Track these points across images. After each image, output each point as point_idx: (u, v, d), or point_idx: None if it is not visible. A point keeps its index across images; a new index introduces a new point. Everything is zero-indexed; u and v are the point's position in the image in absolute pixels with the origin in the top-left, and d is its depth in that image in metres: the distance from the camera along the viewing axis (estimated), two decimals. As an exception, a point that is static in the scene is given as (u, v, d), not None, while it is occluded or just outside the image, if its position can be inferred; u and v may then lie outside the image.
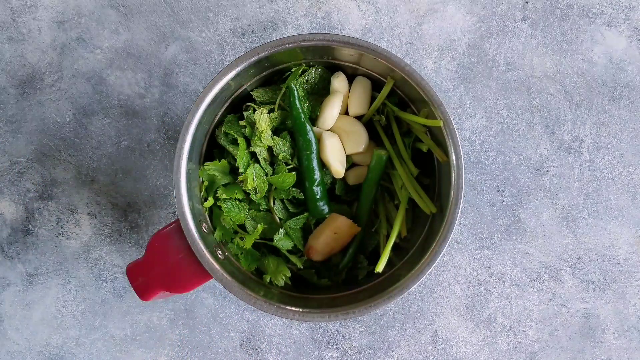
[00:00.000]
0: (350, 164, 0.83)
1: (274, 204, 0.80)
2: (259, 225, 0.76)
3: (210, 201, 0.77)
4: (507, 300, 0.94)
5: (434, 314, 0.94)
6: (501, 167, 0.94)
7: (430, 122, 0.72)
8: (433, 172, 0.79)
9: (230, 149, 0.79)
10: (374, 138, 0.82)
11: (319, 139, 0.79)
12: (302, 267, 0.80)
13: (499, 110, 0.94)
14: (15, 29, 0.93)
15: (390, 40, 0.95)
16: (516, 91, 0.94)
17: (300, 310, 0.71)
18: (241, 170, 0.77)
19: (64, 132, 0.93)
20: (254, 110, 0.79)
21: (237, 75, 0.73)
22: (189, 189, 0.72)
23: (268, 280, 0.78)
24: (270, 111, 0.79)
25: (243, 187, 0.77)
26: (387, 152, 0.79)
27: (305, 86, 0.80)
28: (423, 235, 0.77)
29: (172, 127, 0.94)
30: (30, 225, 0.93)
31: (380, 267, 0.76)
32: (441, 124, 0.70)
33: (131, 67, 0.94)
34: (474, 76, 0.95)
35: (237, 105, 0.81)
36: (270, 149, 0.79)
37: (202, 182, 0.78)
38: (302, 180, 0.79)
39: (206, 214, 0.78)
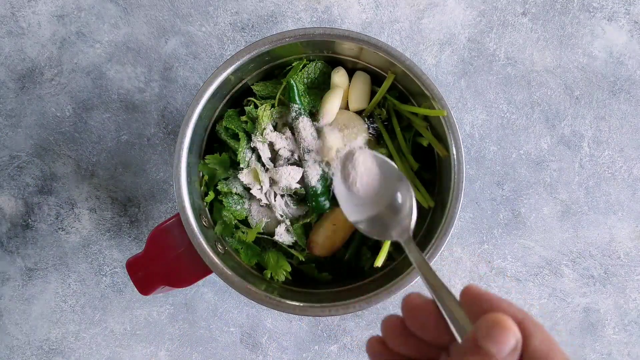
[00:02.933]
0: (351, 158, 0.83)
1: (274, 199, 0.80)
2: (262, 219, 0.76)
3: (211, 195, 0.77)
4: (508, 294, 0.94)
5: (434, 308, 0.94)
6: (501, 161, 0.94)
7: (434, 112, 0.72)
8: (434, 166, 0.79)
9: (231, 143, 0.79)
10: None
11: (319, 134, 0.79)
12: (303, 260, 0.80)
13: (499, 105, 0.94)
14: (15, 23, 0.93)
15: (391, 34, 0.94)
16: (516, 85, 0.94)
17: (301, 304, 0.71)
18: (242, 165, 0.76)
19: (63, 127, 0.93)
20: (255, 105, 0.79)
21: (237, 69, 0.73)
22: (189, 183, 0.72)
23: (269, 275, 0.78)
24: (272, 106, 0.79)
25: (244, 182, 0.77)
26: (388, 151, 0.79)
27: (306, 80, 0.80)
28: (424, 229, 0.77)
29: (172, 121, 0.93)
30: (29, 220, 0.93)
31: (379, 262, 0.76)
32: (445, 113, 0.70)
33: (131, 62, 0.93)
34: (474, 70, 0.94)
35: (237, 99, 0.81)
36: (271, 144, 0.79)
37: (203, 176, 0.78)
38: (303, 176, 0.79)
39: (206, 208, 0.78)
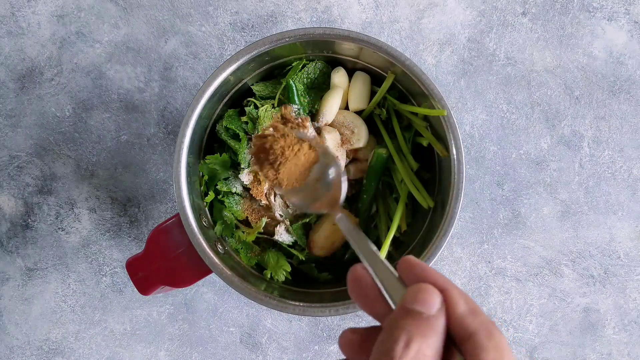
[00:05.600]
0: (350, 158, 0.83)
1: (274, 199, 0.80)
2: (262, 219, 0.76)
3: (211, 195, 0.77)
4: (507, 294, 0.94)
5: (434, 308, 0.93)
6: (501, 161, 0.94)
7: (434, 112, 0.72)
8: (433, 166, 0.79)
9: (231, 143, 0.79)
10: (373, 133, 0.82)
11: (318, 134, 0.79)
12: (304, 259, 0.80)
13: (499, 105, 0.94)
14: (15, 23, 0.93)
15: (390, 34, 0.94)
16: (516, 85, 0.94)
17: (301, 304, 0.71)
18: (243, 165, 0.76)
19: (63, 127, 0.93)
20: (255, 105, 0.79)
21: (237, 69, 0.73)
22: (189, 183, 0.72)
23: (269, 276, 0.78)
24: (272, 106, 0.79)
25: (245, 182, 0.77)
26: (388, 151, 0.79)
27: (305, 80, 0.80)
28: (423, 229, 0.77)
29: (171, 121, 0.93)
30: (29, 220, 0.93)
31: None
32: (445, 113, 0.70)
33: (131, 62, 0.93)
34: (474, 70, 0.94)
35: (237, 99, 0.81)
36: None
37: (203, 176, 0.78)
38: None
39: (206, 208, 0.78)
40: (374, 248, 0.48)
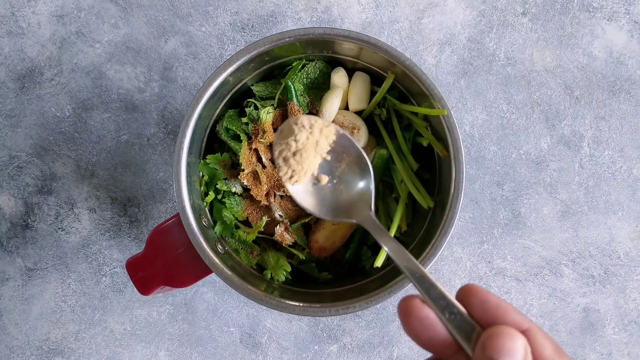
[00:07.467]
0: (350, 158, 0.82)
1: (274, 199, 0.80)
2: (262, 219, 0.76)
3: (211, 195, 0.77)
4: (507, 294, 0.94)
5: (434, 308, 0.93)
6: (501, 161, 0.94)
7: (434, 112, 0.72)
8: (433, 166, 0.79)
9: (232, 144, 0.79)
10: (373, 133, 0.82)
11: (318, 134, 0.79)
12: (304, 259, 0.80)
13: (499, 105, 0.94)
14: (15, 23, 0.93)
15: (390, 34, 0.94)
16: (516, 85, 0.94)
17: (301, 304, 0.71)
18: (243, 166, 0.76)
19: (63, 127, 0.93)
20: (255, 106, 0.79)
21: (237, 69, 0.73)
22: (189, 183, 0.72)
23: (269, 276, 0.78)
24: (272, 106, 0.79)
25: (245, 183, 0.77)
26: (388, 151, 0.79)
27: (305, 80, 0.80)
28: (424, 229, 0.77)
29: (171, 121, 0.93)
30: (29, 220, 0.93)
31: (379, 262, 0.76)
32: (446, 112, 0.70)
33: (131, 61, 0.93)
34: (474, 70, 0.94)
35: (237, 99, 0.81)
36: (271, 145, 0.79)
37: (202, 176, 0.78)
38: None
39: (206, 208, 0.78)
40: (426, 272, 0.43)
